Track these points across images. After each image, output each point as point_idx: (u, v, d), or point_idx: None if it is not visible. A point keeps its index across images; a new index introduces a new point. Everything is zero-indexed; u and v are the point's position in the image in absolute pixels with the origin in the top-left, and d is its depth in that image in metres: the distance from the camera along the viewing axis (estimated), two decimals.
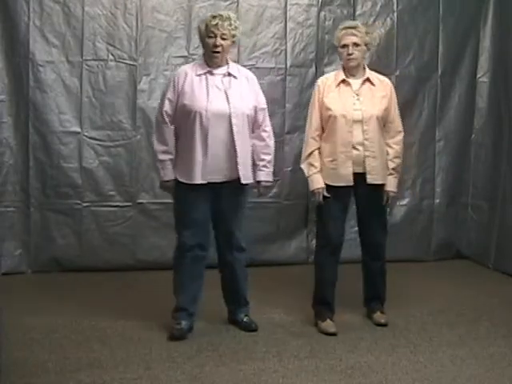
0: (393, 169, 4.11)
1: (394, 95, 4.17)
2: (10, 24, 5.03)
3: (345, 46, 3.99)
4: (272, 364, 3.54)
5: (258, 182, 3.98)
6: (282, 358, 3.62)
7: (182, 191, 3.85)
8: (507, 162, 5.42)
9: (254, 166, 3.96)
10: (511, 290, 5.05)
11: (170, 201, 4.11)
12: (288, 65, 5.48)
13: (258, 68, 5.42)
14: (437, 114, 5.82)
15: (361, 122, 3.97)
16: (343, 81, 4.04)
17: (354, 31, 3.99)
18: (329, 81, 4.08)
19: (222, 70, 3.87)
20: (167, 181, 3.88)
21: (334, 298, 4.13)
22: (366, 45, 4.04)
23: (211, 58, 3.83)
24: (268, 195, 4.27)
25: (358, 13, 5.59)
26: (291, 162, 5.45)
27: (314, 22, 5.50)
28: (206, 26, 3.78)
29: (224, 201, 3.88)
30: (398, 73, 5.68)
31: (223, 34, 3.76)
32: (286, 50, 5.47)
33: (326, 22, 5.51)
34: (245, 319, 4.05)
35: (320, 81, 4.13)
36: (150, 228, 5.32)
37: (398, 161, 4.13)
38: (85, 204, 5.26)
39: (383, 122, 4.07)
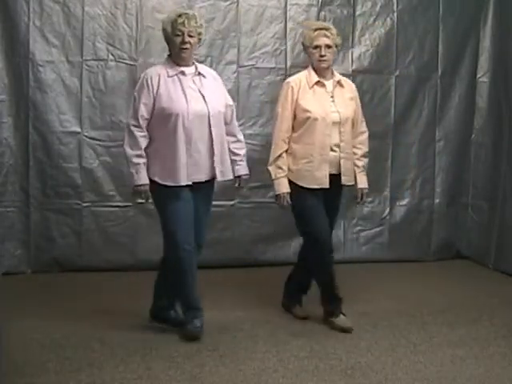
0: (363, 166, 4.16)
1: (358, 97, 4.20)
2: (10, 24, 5.03)
3: (317, 46, 3.97)
4: (272, 364, 3.54)
5: (238, 176, 4.03)
6: (281, 357, 3.62)
7: (166, 194, 3.79)
8: (507, 162, 5.42)
9: (231, 161, 3.98)
10: (511, 290, 5.05)
11: None
12: (288, 65, 5.47)
13: (257, 68, 5.43)
14: (437, 113, 5.82)
15: (338, 123, 3.98)
16: (317, 82, 4.02)
17: (326, 33, 3.98)
18: (302, 82, 4.02)
19: (192, 69, 3.88)
20: (142, 184, 3.78)
21: None
22: (336, 46, 4.04)
23: (180, 56, 3.82)
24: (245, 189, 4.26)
25: (358, 13, 5.59)
26: None
27: None
28: (172, 24, 3.79)
29: (201, 200, 3.89)
30: (397, 73, 5.69)
31: (190, 31, 3.77)
32: (286, 50, 5.46)
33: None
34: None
35: (293, 82, 4.04)
36: (150, 228, 5.28)
37: (366, 160, 4.19)
38: (85, 204, 5.26)
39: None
